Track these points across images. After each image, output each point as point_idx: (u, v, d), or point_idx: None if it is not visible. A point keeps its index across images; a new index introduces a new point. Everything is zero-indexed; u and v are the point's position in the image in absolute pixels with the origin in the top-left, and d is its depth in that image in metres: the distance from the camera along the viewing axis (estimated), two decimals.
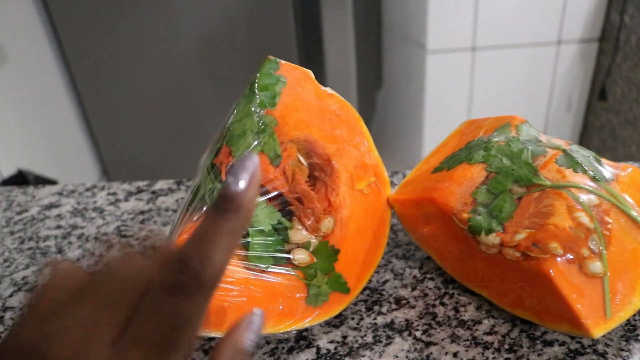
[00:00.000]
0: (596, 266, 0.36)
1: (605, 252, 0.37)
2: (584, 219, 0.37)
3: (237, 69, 1.17)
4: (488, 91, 1.89)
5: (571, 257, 0.36)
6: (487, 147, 0.41)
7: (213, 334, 0.35)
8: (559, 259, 0.36)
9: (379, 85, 1.39)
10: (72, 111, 1.31)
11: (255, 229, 0.37)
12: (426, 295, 0.44)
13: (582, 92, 1.92)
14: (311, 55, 1.12)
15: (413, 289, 0.45)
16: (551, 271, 0.36)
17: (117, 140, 1.33)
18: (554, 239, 0.36)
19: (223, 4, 1.11)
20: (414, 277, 0.46)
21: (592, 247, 0.37)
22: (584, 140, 2.01)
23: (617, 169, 0.40)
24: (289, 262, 0.39)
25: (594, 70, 1.88)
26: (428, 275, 0.46)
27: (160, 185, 0.63)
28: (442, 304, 0.44)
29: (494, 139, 0.42)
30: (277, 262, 0.38)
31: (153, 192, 0.62)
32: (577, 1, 1.75)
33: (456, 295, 0.44)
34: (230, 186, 0.22)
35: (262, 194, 0.38)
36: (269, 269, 0.38)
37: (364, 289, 0.45)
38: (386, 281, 0.46)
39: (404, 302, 0.44)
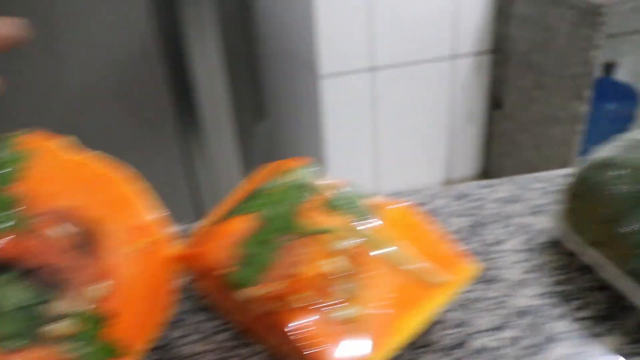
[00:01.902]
0: (349, 312, 0.37)
1: (359, 295, 0.37)
2: (338, 264, 0.37)
3: (120, 119, 1.15)
4: (391, 110, 1.92)
5: (323, 304, 0.36)
6: (260, 195, 0.41)
7: None
8: (310, 307, 0.36)
9: (260, 116, 1.40)
10: None
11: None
12: (221, 348, 0.44)
13: (481, 102, 1.99)
14: (183, 97, 1.12)
15: (208, 343, 0.44)
16: (300, 321, 0.36)
17: None
18: (304, 288, 0.36)
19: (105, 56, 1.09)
20: (209, 330, 0.46)
21: (345, 292, 0.37)
22: (488, 148, 2.07)
23: (381, 208, 0.41)
24: (49, 337, 0.37)
25: (490, 81, 1.95)
26: (222, 327, 0.46)
27: None
28: (238, 355, 0.43)
29: (269, 186, 0.42)
30: (34, 339, 0.37)
31: None
32: (467, 16, 1.81)
33: (252, 345, 0.44)
34: None
35: (16, 271, 0.37)
36: (23, 349, 0.36)
37: (154, 348, 0.44)
38: (179, 337, 0.45)
39: (198, 356, 0.43)
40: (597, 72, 1.95)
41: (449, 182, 2.14)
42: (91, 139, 1.20)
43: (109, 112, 1.20)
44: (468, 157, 2.09)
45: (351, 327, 0.36)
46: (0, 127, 1.17)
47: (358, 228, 0.39)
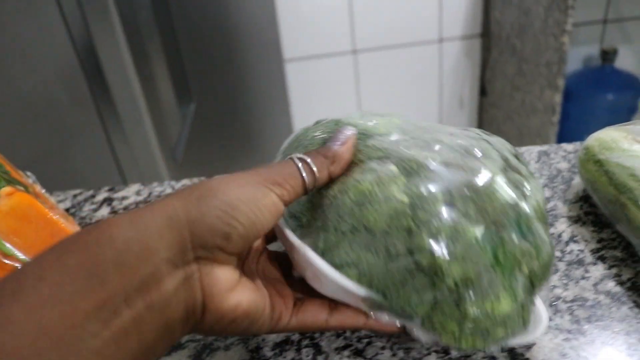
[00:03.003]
0: None
1: None
2: None
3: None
4: (376, 94, 1.88)
5: None
6: None
7: None
8: None
9: (188, 100, 1.44)
10: None
11: None
12: None
13: (471, 88, 1.90)
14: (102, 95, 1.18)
15: None
16: None
17: None
18: None
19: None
20: None
21: None
22: None
23: None
24: None
25: (480, 66, 1.86)
26: None
27: None
28: None
29: None
30: None
31: None
32: None
33: None
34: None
35: None
36: None
37: None
38: None
39: None
40: (575, 62, 1.82)
41: None
42: (26, 143, 1.28)
43: (40, 117, 1.28)
44: None
45: None
46: None
47: None
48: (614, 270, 0.41)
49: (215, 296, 0.28)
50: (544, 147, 0.56)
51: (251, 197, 0.29)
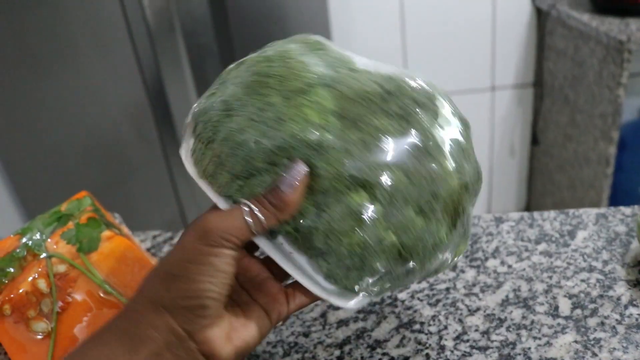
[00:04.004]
0: (40, 326, 0.43)
1: (56, 314, 0.43)
2: (42, 284, 0.44)
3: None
4: None
5: (18, 317, 0.43)
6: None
7: None
8: (10, 319, 0.43)
9: None
10: None
11: None
12: None
13: (523, 136, 1.91)
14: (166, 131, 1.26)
15: None
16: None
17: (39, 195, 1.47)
18: (7, 302, 0.43)
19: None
20: None
21: (43, 309, 0.44)
22: (530, 184, 1.98)
23: (105, 240, 0.47)
24: None
25: (532, 114, 1.87)
26: None
27: None
28: None
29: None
30: None
31: None
32: (506, 48, 1.76)
33: None
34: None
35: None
36: None
37: None
38: None
39: None
40: (630, 112, 1.80)
41: None
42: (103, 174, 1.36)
43: (108, 152, 1.36)
44: (509, 194, 2.01)
45: (44, 340, 0.43)
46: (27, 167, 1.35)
47: (79, 257, 0.45)
48: None
49: (215, 355, 0.33)
50: (602, 210, 0.58)
51: (208, 267, 0.32)
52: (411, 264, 0.35)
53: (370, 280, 0.36)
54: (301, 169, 0.33)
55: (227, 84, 0.37)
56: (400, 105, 0.35)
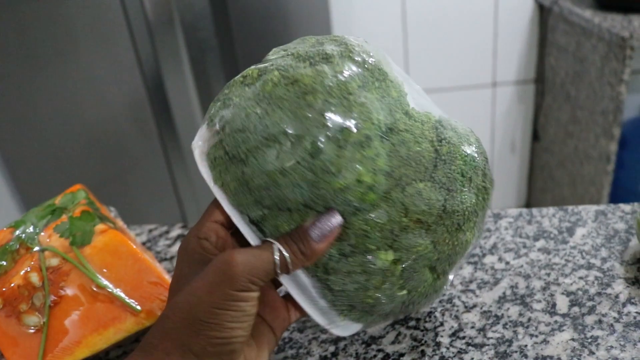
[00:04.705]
0: (32, 320, 0.43)
1: (48, 308, 0.43)
2: (34, 278, 0.44)
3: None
4: None
5: (10, 311, 0.43)
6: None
7: None
8: (2, 313, 0.43)
9: None
10: None
11: None
12: None
13: (524, 133, 1.90)
14: (167, 130, 1.24)
15: None
16: None
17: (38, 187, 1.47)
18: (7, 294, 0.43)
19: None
20: None
21: (35, 302, 0.43)
22: (530, 181, 1.97)
23: (97, 234, 0.46)
24: None
25: (533, 111, 1.87)
26: None
27: None
28: None
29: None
30: None
31: None
32: (508, 44, 1.76)
33: None
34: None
35: None
36: None
37: None
38: None
39: None
40: (631, 109, 1.80)
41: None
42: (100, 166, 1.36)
43: (107, 146, 1.36)
44: (509, 190, 2.01)
45: (36, 334, 0.43)
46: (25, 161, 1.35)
47: (71, 250, 0.45)
48: None
49: None
50: (601, 207, 0.57)
51: (237, 313, 0.31)
52: (410, 307, 0.38)
53: (369, 320, 0.38)
54: (336, 221, 0.32)
55: (271, 102, 0.33)
56: (448, 175, 0.35)
